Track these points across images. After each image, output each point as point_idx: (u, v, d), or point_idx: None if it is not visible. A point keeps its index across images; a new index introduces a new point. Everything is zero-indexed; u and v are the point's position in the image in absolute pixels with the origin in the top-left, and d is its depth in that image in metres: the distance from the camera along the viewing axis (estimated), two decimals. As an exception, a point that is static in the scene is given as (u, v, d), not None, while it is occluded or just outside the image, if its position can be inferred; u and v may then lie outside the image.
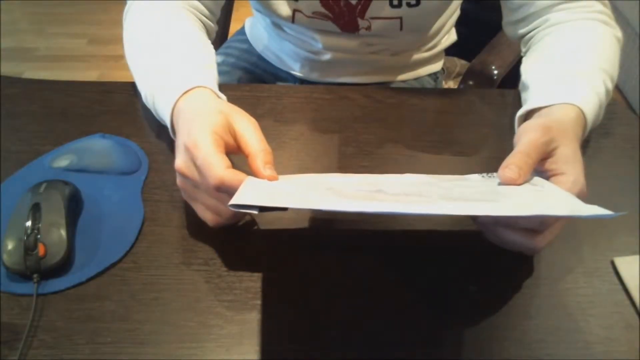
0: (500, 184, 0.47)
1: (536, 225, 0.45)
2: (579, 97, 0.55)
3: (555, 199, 0.43)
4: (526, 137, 0.48)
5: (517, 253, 0.49)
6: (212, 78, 0.57)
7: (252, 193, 0.43)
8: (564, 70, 0.60)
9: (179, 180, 0.50)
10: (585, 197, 0.46)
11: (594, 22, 0.64)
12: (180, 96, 0.53)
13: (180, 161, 0.48)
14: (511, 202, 0.42)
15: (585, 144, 0.63)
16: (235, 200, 0.41)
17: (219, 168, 0.45)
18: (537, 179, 0.47)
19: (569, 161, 0.47)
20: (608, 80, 0.59)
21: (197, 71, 0.57)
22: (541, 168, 0.48)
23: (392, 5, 0.72)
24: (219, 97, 0.55)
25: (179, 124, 0.52)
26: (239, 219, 0.52)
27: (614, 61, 0.62)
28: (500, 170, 0.47)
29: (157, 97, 0.57)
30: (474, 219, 0.49)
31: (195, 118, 0.49)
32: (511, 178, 0.46)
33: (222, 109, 0.50)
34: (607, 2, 0.67)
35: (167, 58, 0.59)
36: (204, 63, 0.59)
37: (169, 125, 0.55)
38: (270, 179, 0.47)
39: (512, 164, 0.46)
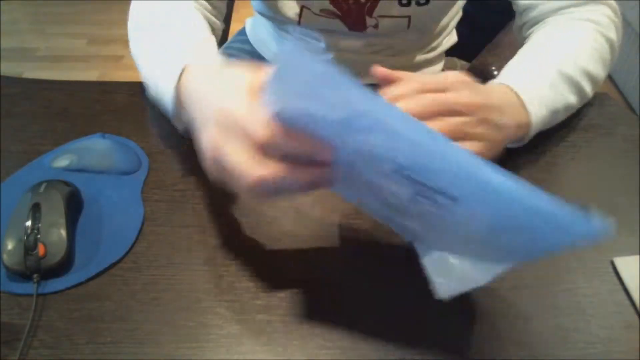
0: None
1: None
2: (517, 79, 0.55)
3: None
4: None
5: None
6: (209, 54, 0.54)
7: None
8: (519, 59, 0.60)
9: (210, 165, 0.41)
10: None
11: (581, 22, 0.64)
12: (183, 72, 0.49)
13: (211, 134, 0.40)
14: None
15: (585, 144, 0.63)
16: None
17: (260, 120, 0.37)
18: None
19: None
20: (569, 65, 0.58)
21: (194, 51, 0.53)
22: None
23: (401, 4, 0.72)
24: None
25: (192, 101, 0.47)
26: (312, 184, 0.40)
27: (590, 55, 0.61)
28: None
29: (159, 84, 0.55)
30: None
31: (216, 84, 0.43)
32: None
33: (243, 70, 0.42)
34: (614, 5, 0.66)
35: (166, 45, 0.57)
36: (202, 47, 0.56)
37: (173, 111, 0.51)
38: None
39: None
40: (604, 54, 0.63)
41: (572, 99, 0.59)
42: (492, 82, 0.55)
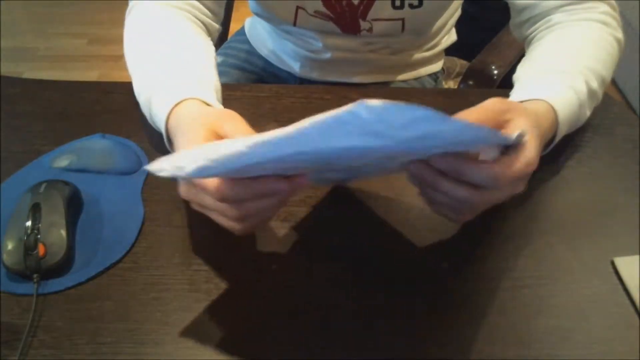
0: None
1: (484, 180, 0.43)
2: (551, 93, 0.54)
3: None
4: (480, 104, 0.47)
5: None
6: (203, 87, 0.55)
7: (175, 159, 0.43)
8: (544, 68, 0.60)
9: (192, 205, 0.48)
10: (533, 169, 0.45)
11: (591, 23, 0.64)
12: (172, 110, 0.52)
13: (182, 188, 0.47)
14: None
15: (586, 144, 0.63)
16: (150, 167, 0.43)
17: (211, 184, 0.43)
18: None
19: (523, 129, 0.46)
20: (594, 80, 0.58)
21: (186, 83, 0.55)
22: None
23: (394, 7, 0.72)
24: (208, 105, 0.53)
25: (175, 141, 0.52)
26: (267, 220, 0.50)
27: (605, 61, 0.61)
28: None
29: (152, 109, 0.57)
30: (411, 174, 0.46)
31: (181, 139, 0.49)
32: None
33: (206, 122, 0.48)
34: (613, 2, 0.66)
35: (160, 69, 0.58)
36: (195, 73, 0.57)
37: (166, 141, 0.55)
38: None
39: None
40: (616, 58, 0.63)
41: (589, 113, 0.60)
42: (533, 95, 0.54)
